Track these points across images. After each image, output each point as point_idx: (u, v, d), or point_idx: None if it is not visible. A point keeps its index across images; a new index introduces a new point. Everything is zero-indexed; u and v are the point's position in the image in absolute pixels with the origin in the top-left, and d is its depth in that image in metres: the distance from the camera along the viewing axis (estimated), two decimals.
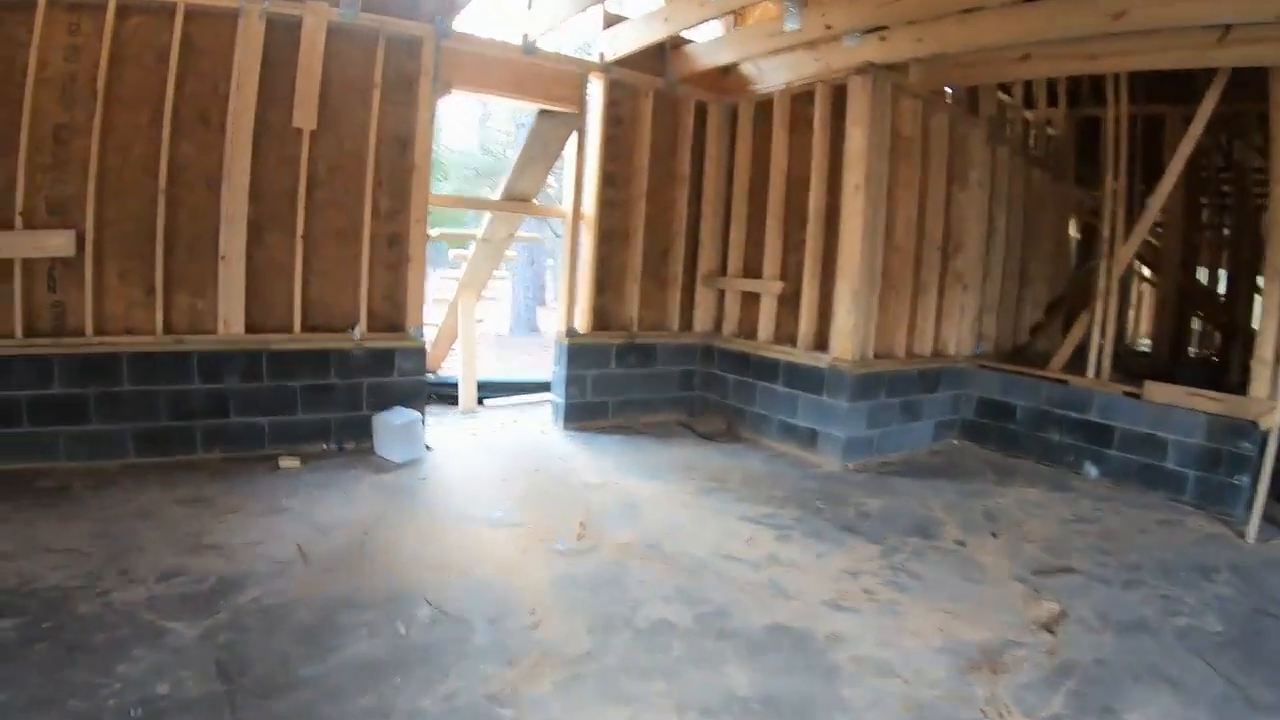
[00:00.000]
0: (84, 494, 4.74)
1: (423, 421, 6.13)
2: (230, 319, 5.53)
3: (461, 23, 6.11)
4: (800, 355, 6.70)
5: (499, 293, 12.13)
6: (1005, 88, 8.06)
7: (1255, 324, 6.33)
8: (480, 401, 8.20)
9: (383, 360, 6.12)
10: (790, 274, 7.03)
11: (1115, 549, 4.82)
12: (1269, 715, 3.09)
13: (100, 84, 5.04)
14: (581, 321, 7.22)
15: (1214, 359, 10.31)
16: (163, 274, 5.33)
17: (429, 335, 8.88)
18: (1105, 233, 6.80)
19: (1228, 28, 4.98)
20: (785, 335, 7.06)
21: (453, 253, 8.89)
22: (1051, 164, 8.80)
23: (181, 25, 5.21)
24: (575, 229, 7.16)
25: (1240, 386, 5.80)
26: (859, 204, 6.18)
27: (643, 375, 7.56)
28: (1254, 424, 5.45)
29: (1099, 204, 8.89)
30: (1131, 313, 13.55)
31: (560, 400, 7.23)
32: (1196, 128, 6.05)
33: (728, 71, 7.42)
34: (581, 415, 7.22)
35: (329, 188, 5.85)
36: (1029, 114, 8.62)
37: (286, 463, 5.52)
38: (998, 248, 7.81)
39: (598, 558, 4.30)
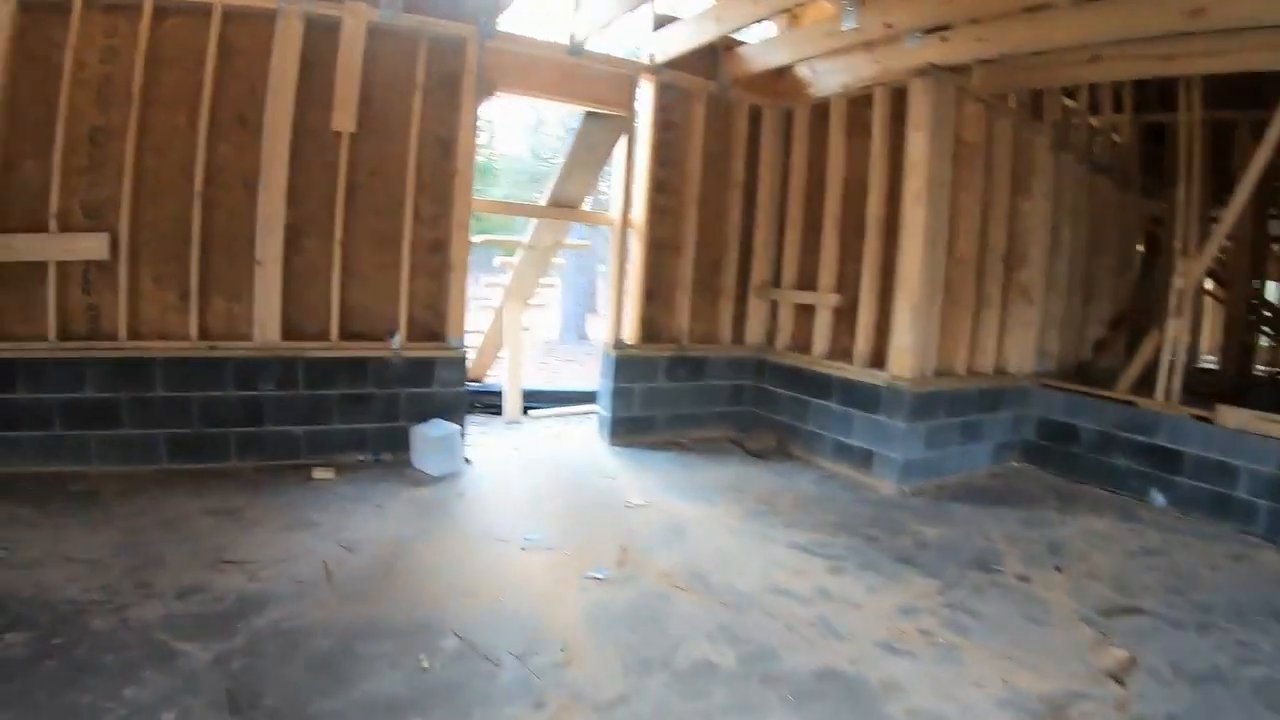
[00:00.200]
0: (112, 500, 4.62)
1: (462, 434, 5.90)
2: (266, 325, 5.37)
3: (505, 23, 5.89)
4: (856, 372, 6.32)
5: (547, 300, 11.94)
6: (1070, 92, 7.62)
7: None
8: (525, 411, 7.95)
9: (422, 370, 5.90)
10: (847, 286, 6.66)
11: (1185, 587, 4.41)
12: None
13: (136, 86, 4.96)
14: (629, 333, 6.93)
15: None
16: (198, 278, 5.21)
17: (473, 343, 8.79)
18: (1177, 245, 6.37)
19: None
20: (841, 350, 6.69)
21: (498, 259, 8.71)
22: (1117, 172, 8.34)
23: (219, 26, 5.11)
24: (624, 237, 6.89)
25: None
26: (920, 213, 5.81)
27: (692, 389, 7.24)
28: None
29: (1163, 214, 8.55)
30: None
31: (606, 414, 6.95)
32: (1275, 134, 5.58)
33: (782, 74, 7.08)
34: (628, 430, 6.93)
35: (369, 192, 5.67)
36: (1094, 120, 8.17)
37: (320, 474, 5.32)
38: (1062, 260, 7.37)
39: (637, 588, 3.99)
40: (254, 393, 5.40)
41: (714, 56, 6.85)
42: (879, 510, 5.46)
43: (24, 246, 4.86)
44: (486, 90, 5.93)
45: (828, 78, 6.72)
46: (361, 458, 5.73)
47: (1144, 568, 4.69)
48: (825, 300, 6.75)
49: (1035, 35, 5.30)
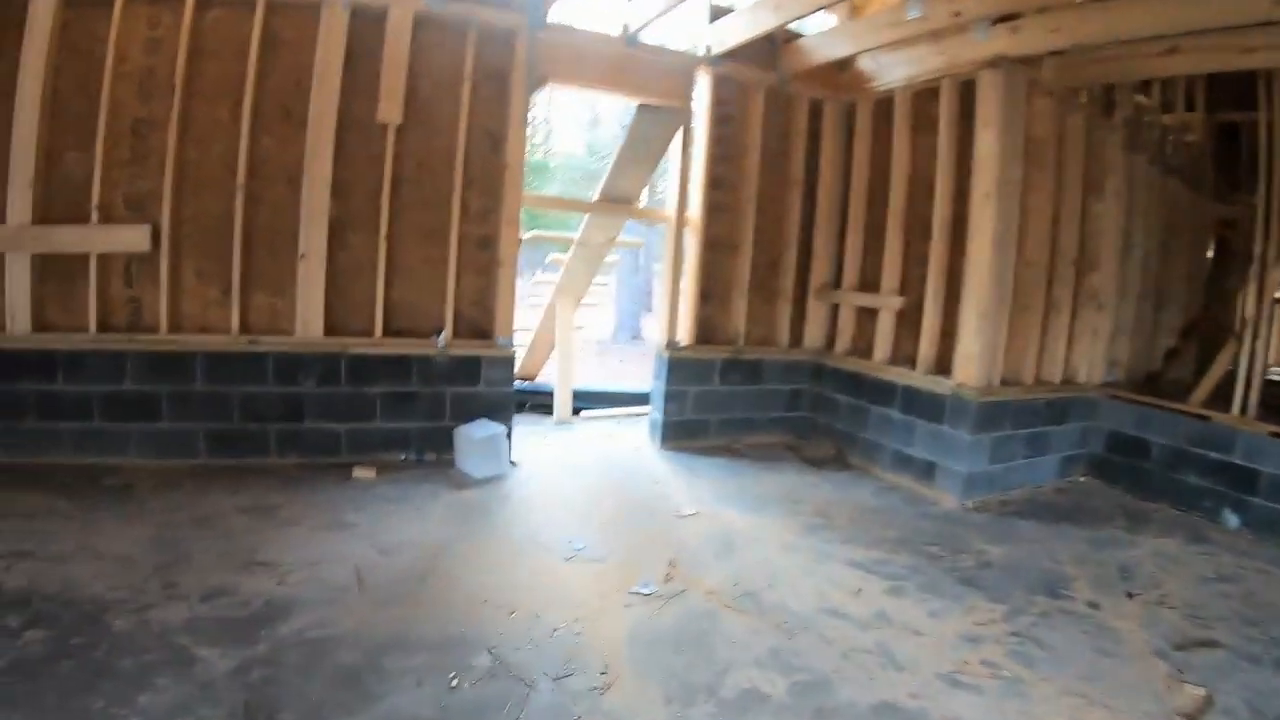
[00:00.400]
0: (147, 495, 4.53)
1: (508, 435, 5.67)
2: (309, 320, 5.23)
3: (556, 13, 5.67)
4: (919, 379, 5.95)
5: (601, 298, 11.75)
6: (1142, 89, 7.18)
7: None
8: (576, 412, 7.75)
9: (468, 369, 5.69)
10: (911, 289, 6.28)
11: (1262, 618, 4.01)
12: None
13: (179, 78, 4.88)
14: (684, 334, 6.63)
15: None
16: (240, 272, 5.10)
17: (524, 341, 8.61)
18: (1256, 251, 5.90)
19: None
20: (903, 356, 6.31)
21: (550, 256, 8.53)
22: (1189, 174, 7.81)
23: (262, 17, 5.00)
24: (679, 235, 6.59)
25: None
26: (989, 213, 5.43)
27: (747, 393, 6.91)
28: None
29: (1234, 217, 8.02)
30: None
31: (658, 416, 6.66)
32: None
33: (844, 68, 6.73)
34: (680, 434, 6.64)
35: (415, 186, 5.49)
36: (1166, 119, 7.66)
37: (360, 473, 5.14)
38: (1133, 265, 6.88)
39: (684, 606, 3.70)
40: (295, 389, 5.26)
41: (772, 49, 6.52)
42: (941, 526, 5.11)
43: (66, 238, 4.82)
44: (537, 82, 5.71)
45: (891, 70, 6.36)
46: (404, 457, 5.55)
47: (1218, 595, 4.30)
48: (888, 303, 6.39)
49: (1112, 25, 4.92)
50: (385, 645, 3.11)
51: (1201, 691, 3.21)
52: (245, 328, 5.17)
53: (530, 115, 5.74)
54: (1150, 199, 7.00)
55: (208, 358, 5.09)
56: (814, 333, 7.17)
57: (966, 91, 5.75)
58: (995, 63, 5.39)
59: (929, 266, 5.98)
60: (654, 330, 7.25)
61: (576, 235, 7.93)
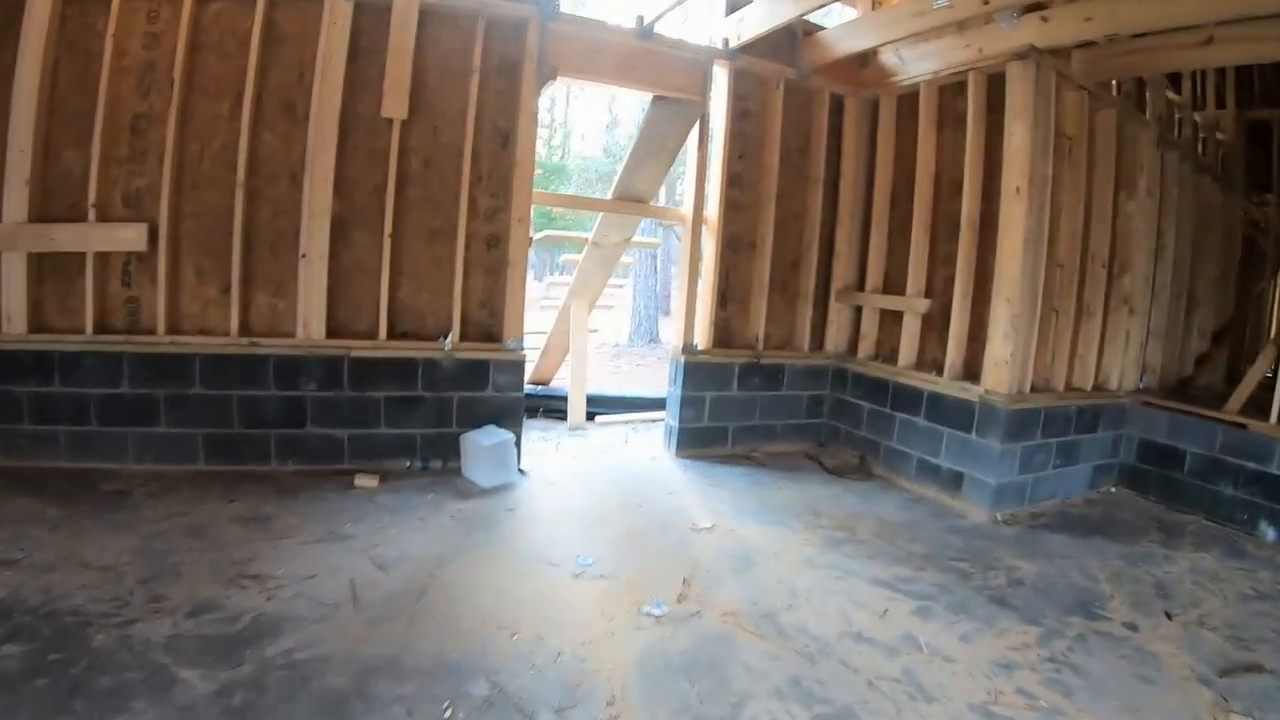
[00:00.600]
0: (141, 502, 4.36)
1: (517, 443, 5.43)
2: (310, 322, 5.02)
3: (568, 3, 5.49)
4: (946, 385, 5.66)
5: (616, 301, 11.53)
6: (1172, 84, 6.90)
7: None
8: (591, 417, 7.51)
9: (476, 373, 5.45)
10: (937, 291, 6.00)
11: None
12: None
13: (178, 72, 4.70)
14: (701, 337, 6.36)
15: None
16: (240, 272, 4.91)
17: (537, 344, 8.39)
18: None
19: None
20: (929, 361, 6.02)
21: (564, 257, 8.32)
22: (1219, 172, 7.54)
23: (264, 10, 4.83)
24: (696, 235, 6.31)
25: None
26: (1020, 211, 5.13)
27: (766, 399, 6.63)
28: None
29: (1265, 217, 7.73)
30: None
31: (674, 423, 6.37)
32: None
33: (866, 62, 6.49)
34: (696, 441, 6.36)
35: (421, 183, 5.27)
36: (1197, 116, 7.40)
37: (362, 481, 4.91)
38: (1165, 266, 6.60)
39: (699, 629, 3.43)
40: (296, 393, 5.05)
41: (792, 42, 6.27)
42: (969, 540, 4.82)
43: (63, 237, 4.67)
44: (547, 75, 5.46)
45: (916, 64, 6.08)
46: (408, 465, 5.31)
47: (1259, 615, 4.02)
48: (913, 306, 6.09)
49: (1149, 13, 4.67)
50: (376, 669, 2.87)
51: None
52: (245, 329, 4.98)
53: (541, 110, 5.51)
54: (1182, 198, 6.72)
55: (206, 360, 4.89)
56: (836, 336, 6.88)
57: (994, 85, 5.46)
58: (1024, 53, 5.11)
59: (956, 267, 5.67)
60: (670, 333, 7.01)
61: (590, 235, 7.69)
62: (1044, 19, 5.07)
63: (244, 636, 3.04)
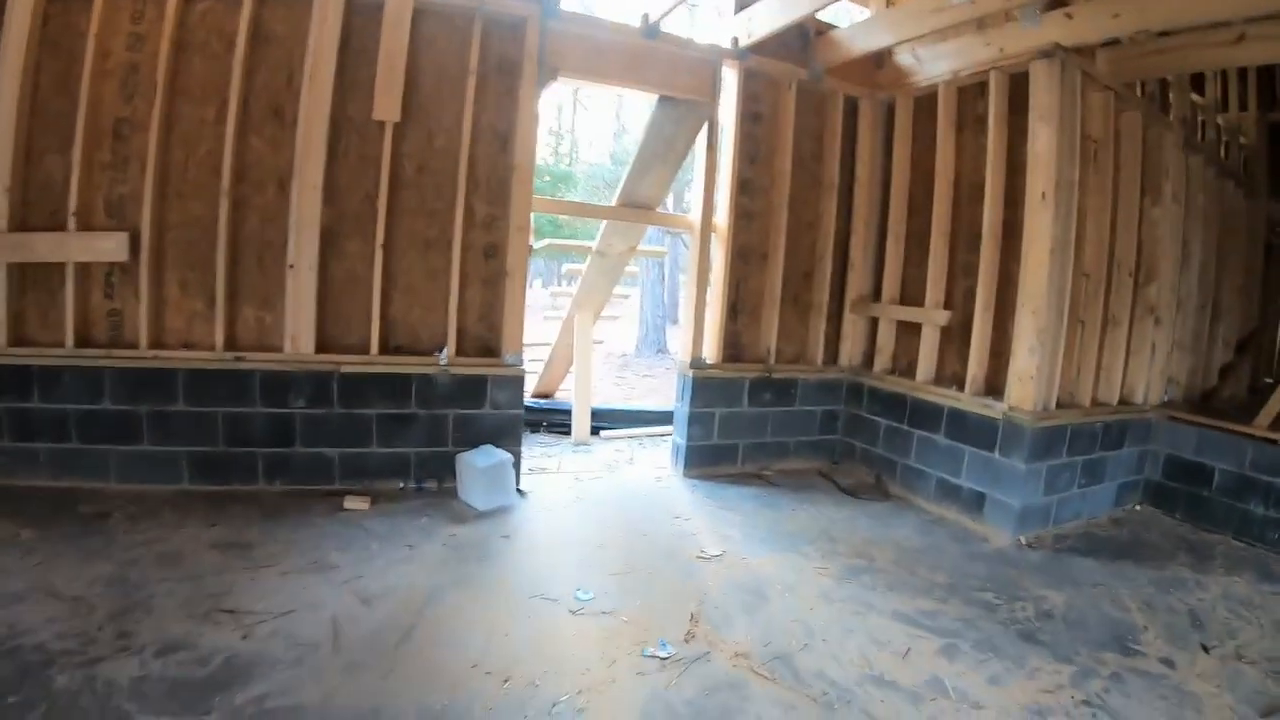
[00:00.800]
0: (119, 525, 4.13)
1: (515, 464, 5.15)
2: (299, 336, 4.75)
3: (574, 2, 5.26)
4: (968, 401, 5.34)
5: (622, 311, 11.29)
6: (1197, 86, 6.61)
7: None
8: (596, 432, 7.27)
9: (473, 389, 5.17)
10: (958, 302, 5.70)
11: None
12: None
13: (161, 73, 4.45)
14: (710, 351, 6.06)
15: None
16: (225, 283, 4.65)
17: (540, 356, 8.18)
18: None
19: None
20: (949, 375, 5.73)
21: (567, 267, 8.10)
22: (1244, 177, 7.24)
23: (251, 9, 4.57)
24: (705, 243, 6.01)
25: None
26: (1046, 218, 4.84)
27: (778, 415, 6.32)
28: None
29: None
30: None
31: (681, 441, 6.06)
32: None
33: (881, 62, 6.21)
34: (705, 460, 6.05)
35: (415, 190, 5.01)
36: (1221, 119, 7.12)
37: (352, 503, 4.64)
38: (1190, 274, 6.30)
39: (707, 674, 3.13)
40: (284, 410, 4.79)
41: (804, 41, 5.99)
42: (993, 567, 4.52)
43: (42, 246, 4.44)
44: (549, 76, 5.18)
45: (933, 64, 5.79)
46: (402, 486, 5.04)
47: None
48: (932, 317, 5.78)
49: (1180, 9, 4.42)
50: None
51: None
52: (231, 344, 4.72)
53: (548, 117, 5.29)
54: (1207, 203, 6.42)
55: (190, 375, 4.63)
56: (851, 349, 6.57)
57: (1017, 85, 5.19)
58: (1049, 52, 4.82)
59: (978, 277, 5.37)
60: (679, 343, 6.77)
61: (594, 244, 7.41)
62: (1069, 15, 4.80)
63: (214, 680, 2.79)
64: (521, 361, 5.34)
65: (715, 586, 4.00)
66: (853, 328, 6.58)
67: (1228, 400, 6.78)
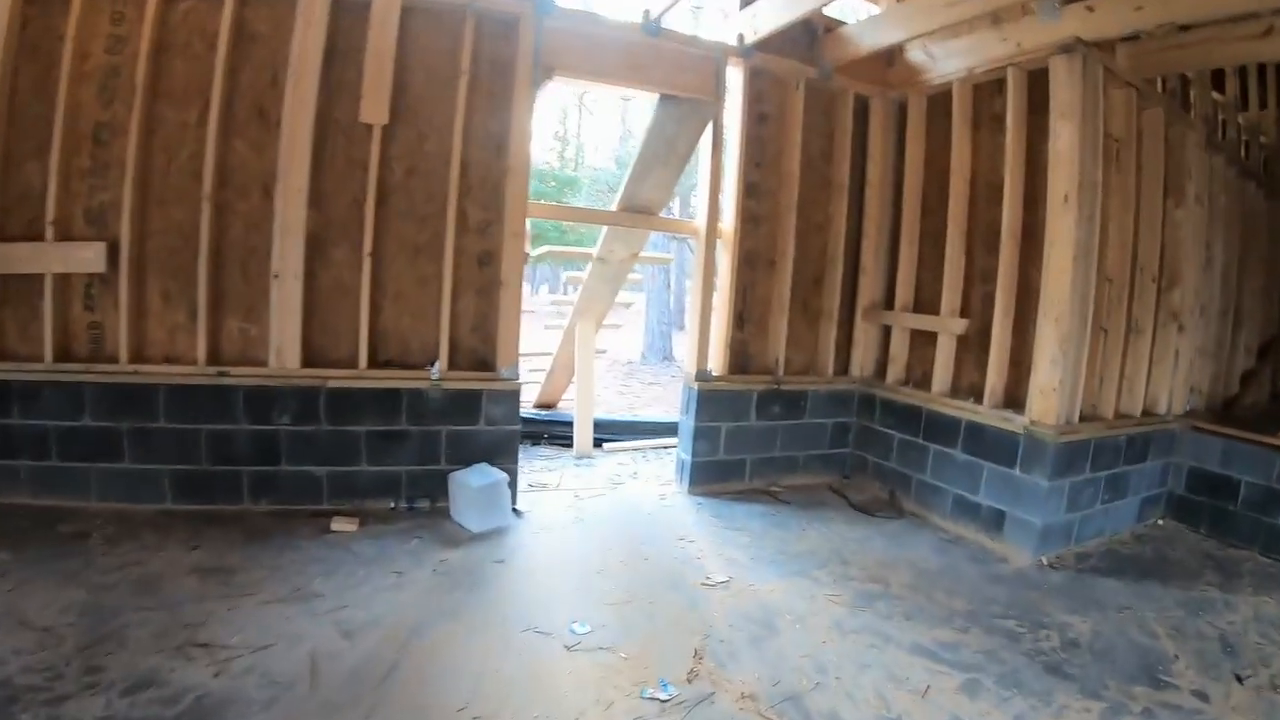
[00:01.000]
0: (98, 547, 3.95)
1: (512, 482, 4.92)
2: (284, 349, 4.54)
3: (578, 0, 5.09)
4: (986, 414, 5.08)
5: (627, 318, 11.11)
6: (1216, 84, 6.36)
7: None
8: (599, 444, 7.04)
9: (467, 405, 4.94)
10: (975, 309, 5.43)
11: None
12: None
13: (140, 75, 4.26)
14: (716, 362, 5.80)
15: None
16: (207, 294, 4.44)
17: (542, 366, 8.00)
18: None
19: None
20: (967, 387, 5.46)
21: (567, 275, 7.93)
22: (1265, 178, 7.00)
23: (234, 8, 4.36)
24: (710, 249, 5.72)
25: None
26: (1069, 221, 4.57)
27: (787, 428, 6.04)
28: None
29: None
30: None
31: (686, 457, 5.79)
32: None
33: (892, 60, 5.97)
34: (711, 476, 5.78)
35: (405, 194, 4.79)
36: (1241, 118, 6.85)
37: (340, 525, 4.41)
38: (1213, 279, 6.06)
39: (711, 718, 2.88)
40: (269, 427, 4.57)
41: (812, 38, 5.74)
42: (1014, 591, 4.27)
43: (19, 257, 4.27)
44: (544, 75, 4.94)
45: (947, 61, 5.54)
46: (392, 506, 4.80)
47: None
48: (948, 326, 5.50)
49: (1206, 1, 4.28)
50: None
51: None
52: (214, 357, 4.51)
53: (537, 114, 5.07)
54: (1229, 205, 6.17)
55: (172, 391, 4.43)
56: (862, 359, 6.30)
57: (1036, 81, 4.93)
58: (1070, 46, 4.58)
59: (996, 284, 5.09)
60: (685, 352, 6.59)
61: (595, 250, 7.17)
62: (1090, 8, 4.57)
63: None
64: (518, 375, 5.09)
65: (720, 617, 3.75)
66: (864, 336, 6.31)
67: (1250, 408, 6.53)
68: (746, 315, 5.93)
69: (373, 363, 4.79)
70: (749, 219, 5.83)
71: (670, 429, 6.90)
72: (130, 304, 4.39)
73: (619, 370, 14.32)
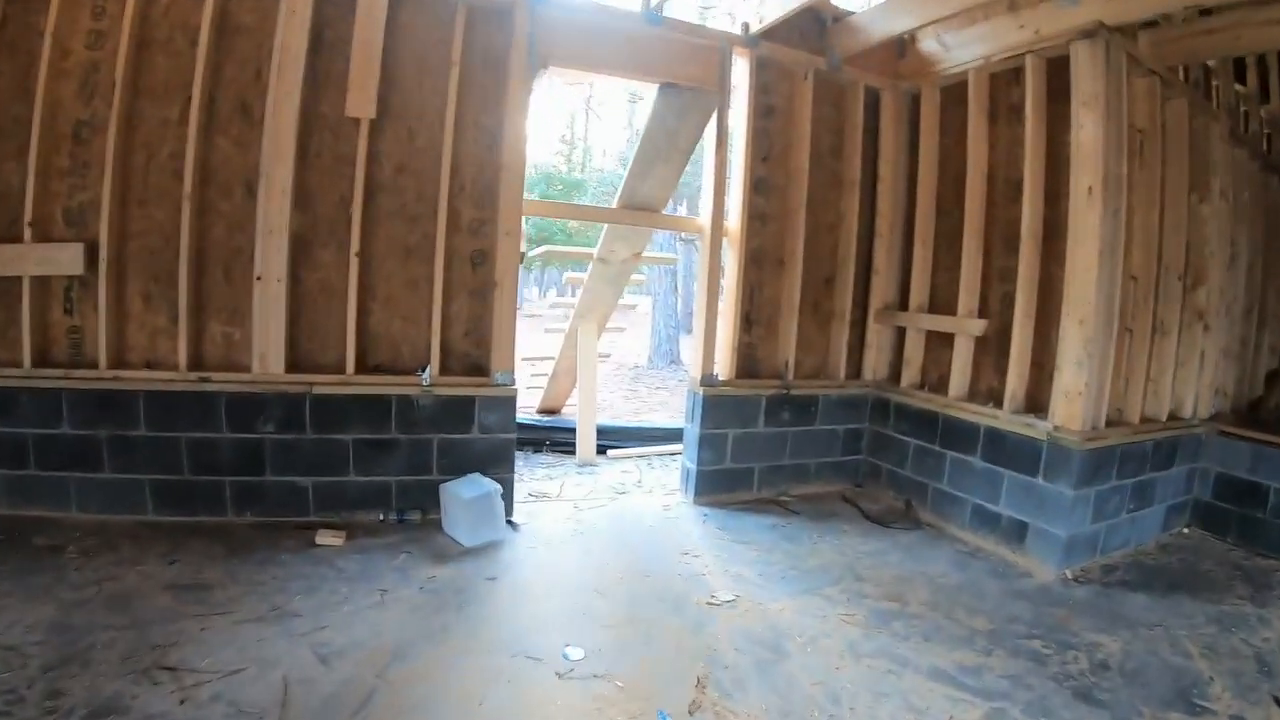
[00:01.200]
0: (71, 561, 3.79)
1: (507, 493, 4.71)
2: (268, 355, 4.35)
3: None
4: (1006, 419, 4.82)
5: (631, 321, 10.92)
6: (1239, 75, 6.10)
7: None
8: (603, 451, 6.83)
9: (459, 412, 4.73)
10: (993, 310, 5.17)
11: None
12: None
13: (121, 71, 4.08)
14: (722, 367, 5.56)
15: None
16: (189, 297, 4.26)
17: (545, 370, 7.82)
18: None
19: None
20: (985, 391, 5.20)
21: (567, 276, 7.75)
22: None
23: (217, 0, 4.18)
24: (716, 249, 5.48)
25: None
26: (1094, 217, 4.32)
27: (797, 435, 5.80)
28: None
29: None
30: None
31: (692, 466, 5.55)
32: None
33: (904, 50, 5.71)
34: (717, 486, 5.54)
35: (394, 193, 4.59)
36: (1264, 110, 6.51)
37: (325, 538, 4.20)
38: (1238, 277, 5.82)
39: None
40: (252, 435, 4.37)
41: (821, 27, 5.49)
42: (1039, 607, 4.01)
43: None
44: (539, 66, 4.72)
45: (961, 50, 5.27)
46: (382, 517, 4.58)
47: None
48: (966, 327, 5.24)
49: None
50: None
51: None
52: (196, 363, 4.33)
53: (532, 107, 4.89)
54: (1253, 200, 5.91)
55: (152, 398, 4.24)
56: (875, 362, 6.05)
57: (1056, 70, 4.68)
58: (1092, 31, 4.33)
59: (1016, 283, 4.84)
60: (690, 356, 6.42)
61: (595, 250, 6.94)
62: None
63: None
64: (513, 380, 4.85)
65: (726, 640, 3.50)
66: (877, 338, 6.05)
67: (1276, 410, 6.27)
68: (754, 317, 5.69)
69: (361, 368, 4.57)
70: (756, 216, 5.59)
71: (676, 435, 6.67)
72: (110, 307, 4.22)
73: (625, 374, 14.11)
